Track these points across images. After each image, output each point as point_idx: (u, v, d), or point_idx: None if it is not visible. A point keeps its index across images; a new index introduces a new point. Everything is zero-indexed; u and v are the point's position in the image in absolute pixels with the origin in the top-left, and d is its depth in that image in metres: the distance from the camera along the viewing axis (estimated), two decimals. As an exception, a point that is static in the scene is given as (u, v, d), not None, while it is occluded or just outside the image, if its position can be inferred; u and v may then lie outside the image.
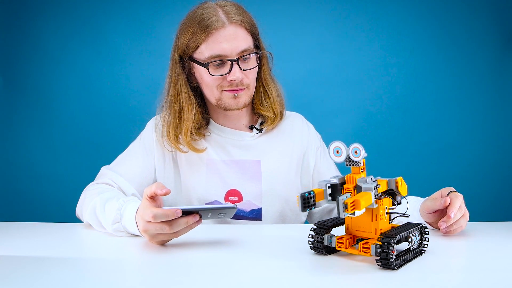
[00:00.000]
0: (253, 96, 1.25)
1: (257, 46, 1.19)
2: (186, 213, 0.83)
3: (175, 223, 0.83)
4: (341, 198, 0.68)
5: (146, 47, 2.11)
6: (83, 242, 0.97)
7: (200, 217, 0.85)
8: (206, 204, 1.18)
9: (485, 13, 2.16)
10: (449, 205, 0.94)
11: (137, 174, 1.20)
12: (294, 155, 1.27)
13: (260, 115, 1.28)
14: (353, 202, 0.67)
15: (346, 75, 2.17)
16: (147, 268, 0.76)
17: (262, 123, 1.27)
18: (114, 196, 1.02)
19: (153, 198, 0.85)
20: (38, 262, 0.76)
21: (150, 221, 0.83)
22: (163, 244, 0.88)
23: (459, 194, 0.97)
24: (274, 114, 1.25)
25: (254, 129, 1.26)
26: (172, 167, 1.22)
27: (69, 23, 2.11)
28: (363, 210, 0.72)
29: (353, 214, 0.68)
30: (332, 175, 0.79)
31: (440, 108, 2.18)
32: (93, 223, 1.03)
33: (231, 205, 0.87)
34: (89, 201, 1.05)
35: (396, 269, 0.72)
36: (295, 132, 1.30)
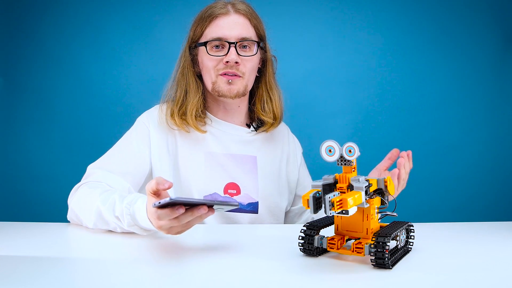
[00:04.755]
0: (255, 100, 1.34)
1: (262, 48, 1.29)
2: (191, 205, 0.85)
3: (181, 218, 0.83)
4: (328, 196, 0.70)
5: (146, 49, 2.19)
6: (82, 242, 1.02)
7: (209, 207, 0.85)
8: (205, 197, 1.23)
9: (486, 12, 2.25)
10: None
11: (131, 165, 1.21)
12: (283, 161, 1.38)
13: (259, 119, 1.36)
14: (340, 200, 0.70)
15: (345, 75, 2.26)
16: (140, 267, 0.80)
17: (258, 127, 1.35)
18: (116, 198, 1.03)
19: (156, 193, 0.86)
20: (37, 262, 0.81)
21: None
22: (180, 233, 0.89)
23: None
24: (274, 118, 1.34)
25: (251, 126, 1.35)
26: (169, 159, 1.27)
27: (70, 24, 2.20)
28: (355, 209, 0.75)
29: (347, 213, 0.70)
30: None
31: (440, 108, 2.27)
32: (102, 225, 1.05)
33: (235, 202, 0.91)
34: (89, 206, 1.05)
35: (391, 268, 0.76)
36: (284, 141, 1.41)
